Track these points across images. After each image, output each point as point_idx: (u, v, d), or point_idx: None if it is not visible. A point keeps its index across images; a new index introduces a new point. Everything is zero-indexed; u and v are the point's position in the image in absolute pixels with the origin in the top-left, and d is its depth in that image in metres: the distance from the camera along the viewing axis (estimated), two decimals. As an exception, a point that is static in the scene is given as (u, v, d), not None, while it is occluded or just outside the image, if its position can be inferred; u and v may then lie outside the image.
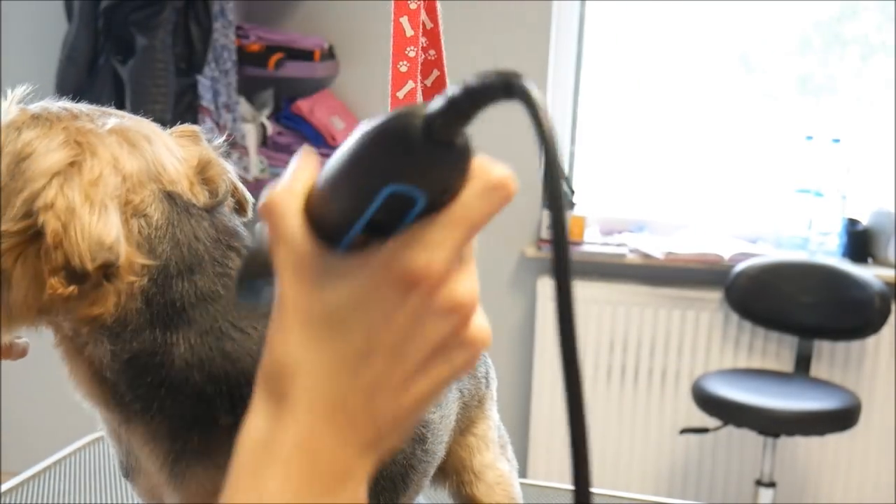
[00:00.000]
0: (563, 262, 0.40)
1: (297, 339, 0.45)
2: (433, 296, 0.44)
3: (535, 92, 0.41)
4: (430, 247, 0.43)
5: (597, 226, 3.02)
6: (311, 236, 0.45)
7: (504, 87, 0.42)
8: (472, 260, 0.46)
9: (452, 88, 0.42)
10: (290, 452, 0.45)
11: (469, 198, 0.44)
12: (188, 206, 0.61)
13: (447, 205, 0.44)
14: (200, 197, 0.63)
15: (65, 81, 2.71)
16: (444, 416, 0.81)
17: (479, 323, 0.47)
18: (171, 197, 0.61)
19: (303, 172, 0.48)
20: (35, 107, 0.62)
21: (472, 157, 0.44)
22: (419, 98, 0.72)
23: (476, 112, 0.43)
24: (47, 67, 2.75)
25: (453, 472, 0.89)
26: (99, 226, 0.55)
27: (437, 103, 0.42)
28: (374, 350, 0.44)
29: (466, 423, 0.89)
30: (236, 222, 0.65)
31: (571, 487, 0.41)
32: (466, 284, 0.45)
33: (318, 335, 0.45)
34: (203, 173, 0.64)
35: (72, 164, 0.58)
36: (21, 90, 0.63)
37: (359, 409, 0.45)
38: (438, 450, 0.81)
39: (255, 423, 0.46)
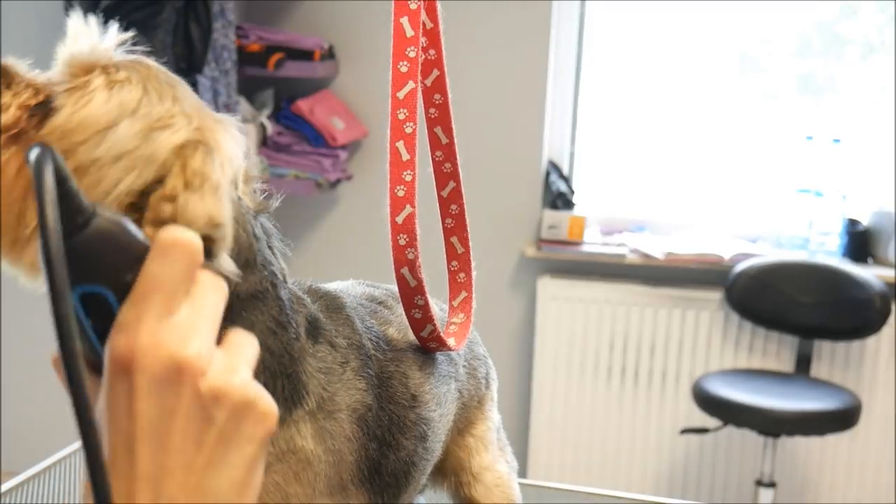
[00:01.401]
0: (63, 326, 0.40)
1: None
2: (150, 369, 0.44)
3: (44, 172, 0.41)
4: (125, 327, 0.44)
5: (597, 226, 3.02)
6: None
7: (32, 166, 0.42)
8: (185, 314, 0.45)
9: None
10: None
11: (148, 268, 0.45)
12: (247, 208, 0.62)
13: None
14: (248, 198, 0.62)
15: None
16: (443, 414, 0.81)
17: (240, 382, 0.46)
18: (239, 198, 0.61)
19: None
20: (162, 71, 0.60)
21: (123, 231, 0.44)
22: (419, 98, 0.72)
23: (48, 194, 0.42)
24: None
25: (452, 473, 0.89)
26: (218, 202, 0.54)
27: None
28: (132, 442, 0.44)
29: (465, 423, 0.88)
30: (270, 224, 0.65)
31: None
32: (185, 345, 0.44)
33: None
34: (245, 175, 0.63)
35: (204, 143, 0.57)
36: (128, 36, 0.61)
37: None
38: (437, 448, 0.81)
39: None
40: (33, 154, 0.42)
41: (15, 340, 3.06)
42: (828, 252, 2.81)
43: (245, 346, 0.49)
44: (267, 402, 0.47)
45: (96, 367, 0.46)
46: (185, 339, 0.45)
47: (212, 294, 0.48)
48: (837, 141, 2.82)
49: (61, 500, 1.13)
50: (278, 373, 0.63)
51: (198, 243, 0.46)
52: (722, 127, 3.04)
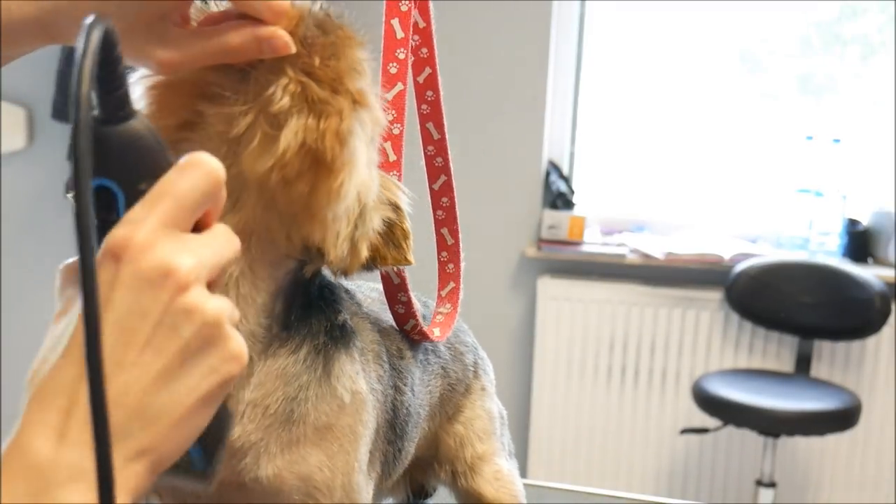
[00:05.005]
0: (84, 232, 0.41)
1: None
2: (138, 263, 0.44)
3: (92, 31, 0.41)
4: (129, 222, 0.45)
5: (597, 226, 3.02)
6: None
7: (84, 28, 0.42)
8: (190, 238, 0.46)
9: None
10: (9, 456, 0.43)
11: (168, 177, 0.46)
12: None
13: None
14: None
15: (65, 81, 2.72)
16: (425, 381, 0.82)
17: (216, 309, 0.46)
18: None
19: None
20: None
21: (155, 141, 0.46)
22: (412, 95, 0.74)
23: (90, 50, 0.42)
24: (47, 66, 2.75)
25: (445, 462, 0.89)
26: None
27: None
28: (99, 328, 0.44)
29: (454, 409, 0.89)
30: None
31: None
32: (178, 255, 0.45)
33: (68, 341, 0.45)
34: None
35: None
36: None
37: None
38: (422, 413, 0.82)
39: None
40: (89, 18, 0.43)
41: (15, 341, 3.06)
42: (828, 252, 2.81)
43: (229, 305, 0.49)
44: (238, 346, 0.47)
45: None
46: (180, 252, 0.45)
47: (226, 240, 0.49)
48: (837, 141, 2.82)
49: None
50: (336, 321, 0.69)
51: (220, 173, 0.47)
52: (722, 127, 3.04)
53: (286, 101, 0.57)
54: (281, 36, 0.57)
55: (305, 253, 0.63)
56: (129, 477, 0.44)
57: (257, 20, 0.57)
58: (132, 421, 0.44)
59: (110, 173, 0.46)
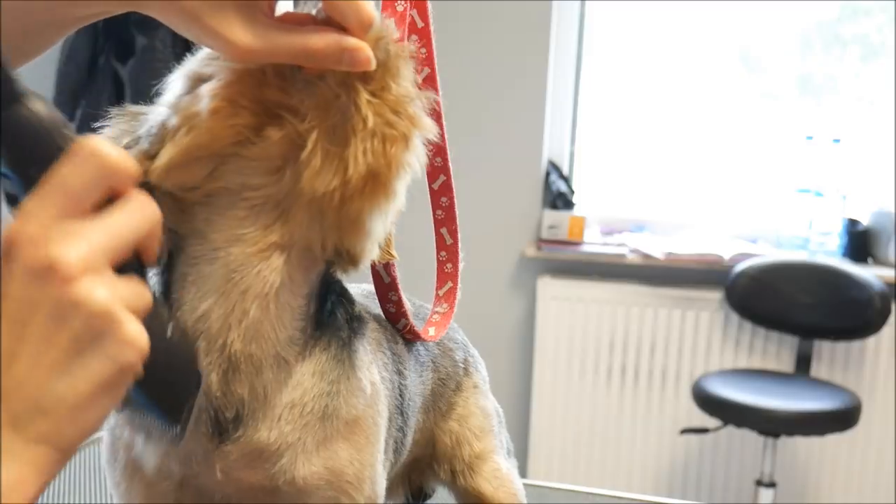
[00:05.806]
0: None
1: None
2: (27, 258, 0.45)
3: None
4: (23, 215, 0.46)
5: (597, 226, 3.02)
6: None
7: None
8: (84, 226, 0.47)
9: None
10: None
11: (58, 167, 0.46)
12: None
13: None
14: None
15: (65, 81, 2.72)
16: (417, 371, 0.82)
17: (103, 299, 0.46)
18: None
19: None
20: None
21: (42, 128, 0.47)
22: None
23: None
24: (47, 67, 2.75)
25: (444, 461, 0.89)
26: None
27: None
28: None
29: (446, 406, 0.89)
30: None
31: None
32: (64, 247, 0.45)
33: None
34: None
35: None
36: None
37: None
38: (417, 402, 0.82)
39: None
40: None
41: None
42: (828, 252, 2.81)
43: (134, 289, 0.49)
44: (132, 332, 0.47)
45: None
46: (67, 243, 0.46)
47: (130, 214, 0.49)
48: (837, 141, 2.82)
49: (61, 500, 1.13)
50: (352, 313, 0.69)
51: (115, 160, 0.47)
52: (722, 127, 3.04)
53: (372, 120, 0.56)
54: (365, 50, 0.55)
55: (335, 256, 0.63)
56: (34, 457, 0.46)
57: (341, 29, 0.55)
58: (30, 410, 0.46)
59: (2, 161, 0.46)
